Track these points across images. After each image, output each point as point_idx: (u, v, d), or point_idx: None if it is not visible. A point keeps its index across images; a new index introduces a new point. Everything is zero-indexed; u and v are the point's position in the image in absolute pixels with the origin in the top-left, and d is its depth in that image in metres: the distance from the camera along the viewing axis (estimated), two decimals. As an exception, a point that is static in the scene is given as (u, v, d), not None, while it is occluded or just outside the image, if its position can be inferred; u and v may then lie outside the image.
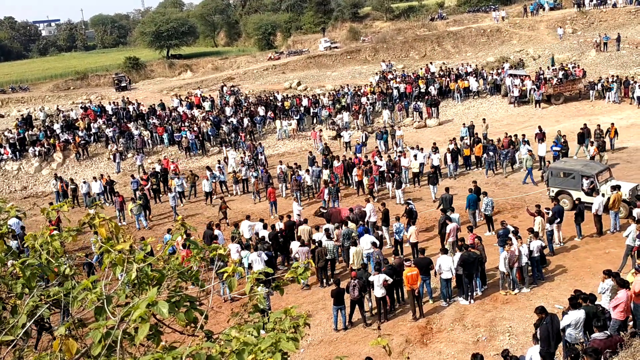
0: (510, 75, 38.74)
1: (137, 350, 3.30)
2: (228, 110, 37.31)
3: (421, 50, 55.30)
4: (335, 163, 25.74)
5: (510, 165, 25.24)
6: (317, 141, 32.26)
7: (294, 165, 25.45)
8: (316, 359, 13.10)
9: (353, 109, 36.29)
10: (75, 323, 3.30)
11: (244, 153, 30.22)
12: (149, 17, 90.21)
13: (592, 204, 17.95)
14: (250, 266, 16.28)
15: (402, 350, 12.86)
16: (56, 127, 35.21)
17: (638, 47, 43.21)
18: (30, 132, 34.31)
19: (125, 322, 3.06)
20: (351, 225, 18.43)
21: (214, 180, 25.94)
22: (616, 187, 18.03)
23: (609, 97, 34.54)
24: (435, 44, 55.43)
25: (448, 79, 39.83)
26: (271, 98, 40.02)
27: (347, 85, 41.83)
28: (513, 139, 25.82)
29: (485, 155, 25.38)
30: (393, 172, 24.15)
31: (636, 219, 15.79)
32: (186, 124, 35.13)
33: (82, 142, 33.20)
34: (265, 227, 18.73)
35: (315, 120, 36.85)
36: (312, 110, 37.07)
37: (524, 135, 26.31)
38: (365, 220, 19.16)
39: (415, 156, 25.18)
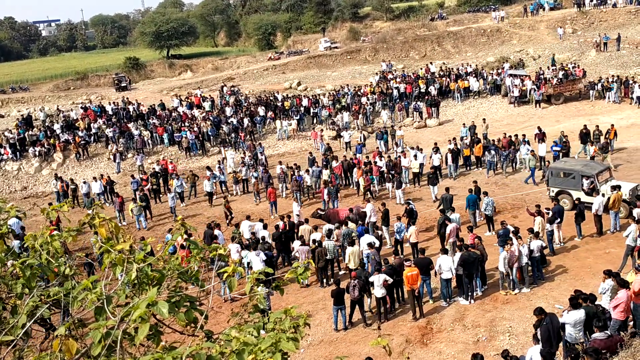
0: (510, 75, 38.75)
1: (137, 351, 3.30)
2: (228, 111, 37.31)
3: (421, 50, 55.31)
4: (334, 163, 25.74)
5: (511, 166, 25.21)
6: (319, 141, 32.31)
7: (294, 166, 25.46)
8: (316, 359, 13.09)
9: (353, 109, 36.29)
10: (75, 323, 3.30)
11: (244, 153, 30.22)
12: (149, 17, 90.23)
13: (592, 204, 17.95)
14: (250, 266, 16.29)
15: (402, 350, 12.86)
16: (56, 127, 35.21)
17: (638, 47, 43.22)
18: (30, 132, 34.30)
19: (125, 322, 3.06)
20: (351, 225, 18.44)
21: (214, 181, 25.94)
22: (616, 187, 18.03)
23: (609, 97, 34.55)
24: (435, 44, 55.44)
25: (448, 79, 39.83)
26: (271, 98, 40.03)
27: (347, 85, 41.84)
28: (513, 139, 25.80)
29: (487, 154, 25.37)
30: (393, 172, 24.16)
31: (636, 219, 15.79)
32: (186, 124, 35.13)
33: (82, 142, 33.20)
34: (265, 227, 18.72)
35: (315, 121, 36.85)
36: (312, 110, 37.07)
37: (524, 135, 26.32)
38: (366, 220, 19.16)
39: (415, 156, 25.18)
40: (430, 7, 73.63)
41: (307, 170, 25.23)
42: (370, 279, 14.12)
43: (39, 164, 32.57)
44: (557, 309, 12.85)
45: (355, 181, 24.68)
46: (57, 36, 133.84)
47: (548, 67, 40.96)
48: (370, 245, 16.29)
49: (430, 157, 25.36)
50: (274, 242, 18.26)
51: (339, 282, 14.28)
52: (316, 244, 16.77)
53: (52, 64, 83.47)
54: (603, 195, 18.46)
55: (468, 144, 27.12)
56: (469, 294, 14.63)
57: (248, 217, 20.15)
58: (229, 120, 34.94)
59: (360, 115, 35.79)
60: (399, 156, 26.03)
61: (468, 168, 26.59)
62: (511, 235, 15.47)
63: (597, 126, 26.27)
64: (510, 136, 26.11)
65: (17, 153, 32.74)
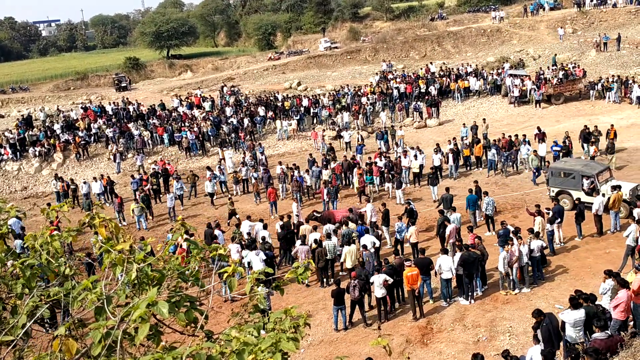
0: (511, 75, 38.74)
1: (137, 351, 3.30)
2: (228, 111, 37.30)
3: (421, 50, 55.31)
4: (332, 163, 25.73)
5: (512, 166, 25.15)
6: (320, 141, 32.35)
7: (293, 166, 25.47)
8: (316, 359, 13.09)
9: (353, 109, 36.29)
10: (75, 323, 3.30)
11: (245, 153, 30.23)
12: (149, 18, 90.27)
13: (592, 204, 17.95)
14: (250, 266, 16.29)
15: (403, 351, 12.86)
16: (56, 127, 35.20)
17: (638, 47, 43.21)
18: (30, 133, 34.29)
19: (125, 322, 3.06)
20: (351, 225, 18.44)
21: (215, 181, 25.89)
22: (616, 187, 18.03)
23: (609, 97, 34.55)
24: (436, 44, 55.44)
25: (448, 79, 39.82)
26: (271, 98, 40.02)
27: (347, 85, 41.84)
28: (513, 139, 25.77)
29: (489, 154, 25.36)
30: (393, 172, 24.15)
31: (636, 219, 15.79)
32: (186, 124, 35.13)
33: (82, 142, 33.19)
34: (265, 227, 18.73)
35: (315, 121, 36.85)
36: (312, 110, 37.06)
37: (524, 135, 26.31)
38: (367, 220, 19.16)
39: (415, 156, 25.18)
40: (430, 7, 73.64)
41: (307, 171, 25.23)
42: (371, 279, 14.12)
43: (39, 164, 32.56)
44: (557, 309, 12.85)
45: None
46: (57, 36, 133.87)
47: (548, 67, 40.94)
48: (365, 247, 16.30)
49: (432, 157, 25.35)
50: (279, 241, 18.28)
51: (339, 282, 14.28)
52: (317, 244, 16.77)
53: (52, 64, 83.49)
54: (603, 195, 18.46)
55: (468, 144, 27.12)
56: (469, 294, 14.62)
57: (248, 217, 20.15)
58: (229, 121, 34.94)
59: (360, 116, 35.80)
60: (399, 156, 26.03)
61: (468, 168, 26.59)
62: (511, 235, 15.47)
63: (596, 126, 26.25)
64: (510, 136, 26.09)
65: (17, 153, 32.74)
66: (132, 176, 27.29)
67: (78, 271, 3.92)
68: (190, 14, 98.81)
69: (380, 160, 25.21)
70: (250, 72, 54.89)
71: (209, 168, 26.93)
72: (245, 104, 39.50)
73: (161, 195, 26.35)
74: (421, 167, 25.22)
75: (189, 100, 41.44)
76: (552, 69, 39.51)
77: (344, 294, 13.99)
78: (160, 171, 27.74)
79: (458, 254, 14.70)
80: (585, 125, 26.49)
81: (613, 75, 36.04)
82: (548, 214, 17.13)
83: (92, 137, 34.41)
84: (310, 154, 28.28)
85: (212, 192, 25.34)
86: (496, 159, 25.13)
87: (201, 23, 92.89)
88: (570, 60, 42.47)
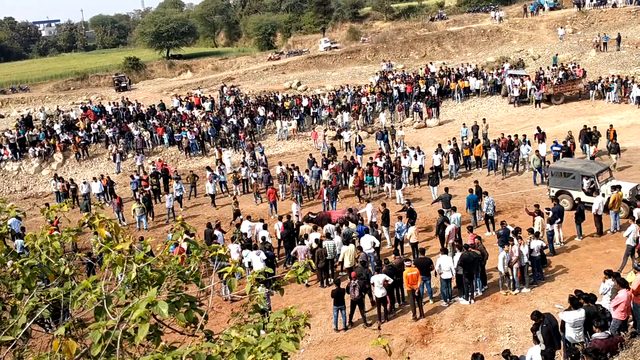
0: (510, 75, 38.74)
1: (137, 351, 3.30)
2: (228, 111, 37.30)
3: (421, 50, 55.31)
4: (331, 164, 25.72)
5: (513, 166, 25.09)
6: (321, 141, 32.36)
7: (292, 166, 25.46)
8: (316, 359, 13.09)
9: (353, 109, 36.28)
10: (75, 323, 3.30)
11: (244, 153, 30.24)
12: (148, 18, 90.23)
13: (592, 204, 17.95)
14: (251, 265, 16.30)
15: (403, 351, 12.85)
16: (56, 127, 35.20)
17: (638, 47, 43.20)
18: (30, 133, 34.28)
19: (125, 322, 3.06)
20: (351, 225, 18.45)
21: (216, 181, 25.86)
22: (616, 187, 18.03)
23: (609, 97, 34.55)
24: (435, 44, 55.44)
25: (448, 79, 39.82)
26: (271, 98, 40.00)
27: (347, 85, 41.83)
28: (513, 139, 25.75)
29: (489, 153, 25.35)
30: (392, 172, 24.15)
31: (636, 219, 15.79)
32: (186, 124, 35.13)
33: (82, 142, 33.19)
34: (265, 227, 18.73)
35: (315, 121, 36.85)
36: (312, 110, 37.06)
37: (524, 135, 26.30)
38: (368, 221, 19.15)
39: (415, 157, 25.18)
40: (430, 7, 73.63)
41: (307, 171, 25.23)
42: (371, 280, 14.11)
43: (39, 164, 32.56)
44: (557, 309, 12.84)
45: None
46: (57, 36, 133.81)
47: (548, 67, 40.94)
48: (360, 249, 16.28)
49: (432, 157, 25.35)
50: (283, 240, 18.25)
51: (339, 282, 14.28)
52: (317, 243, 16.77)
53: (52, 64, 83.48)
54: (603, 195, 18.46)
55: (469, 144, 27.11)
56: (469, 294, 14.62)
57: (248, 217, 20.16)
58: (229, 121, 34.94)
59: (360, 116, 35.79)
60: (399, 156, 26.03)
61: (468, 168, 26.59)
62: (511, 235, 15.46)
63: (595, 127, 26.20)
64: (509, 136, 26.09)
65: (17, 153, 32.74)
66: (132, 176, 27.29)
67: (78, 271, 3.91)
68: (190, 14, 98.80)
69: (380, 160, 25.20)
70: (250, 72, 54.89)
71: (208, 168, 26.93)
72: (245, 104, 39.50)
73: (161, 196, 26.35)
74: (421, 167, 25.22)
75: (189, 101, 41.43)
76: (552, 69, 39.51)
77: (344, 294, 13.99)
78: (160, 171, 27.73)
79: (458, 254, 14.70)
80: (585, 126, 26.47)
81: (613, 75, 36.05)
82: (548, 214, 17.13)
83: (92, 137, 34.41)
84: (310, 154, 28.28)
85: (213, 193, 25.29)
86: (495, 159, 25.13)
87: (201, 23, 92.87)
88: (570, 60, 42.48)
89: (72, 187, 26.90)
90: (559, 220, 17.21)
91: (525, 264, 14.86)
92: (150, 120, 36.27)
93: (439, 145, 26.30)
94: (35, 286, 3.54)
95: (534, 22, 55.21)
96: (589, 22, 52.66)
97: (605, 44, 44.01)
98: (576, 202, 18.09)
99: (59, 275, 3.67)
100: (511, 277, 14.83)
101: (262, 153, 29.91)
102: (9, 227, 3.94)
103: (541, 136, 25.94)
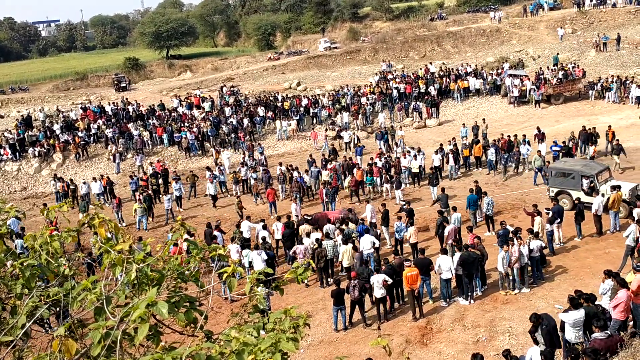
0: (510, 75, 38.75)
1: (136, 351, 3.30)
2: (228, 111, 37.31)
3: (421, 50, 55.32)
4: (329, 165, 25.71)
5: (515, 168, 25.04)
6: (322, 141, 32.34)
7: (290, 167, 25.45)
8: (316, 359, 13.09)
9: (352, 109, 36.29)
10: (75, 323, 3.30)
11: (244, 153, 30.26)
12: (148, 18, 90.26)
13: (592, 204, 17.95)
14: (251, 265, 16.30)
15: (402, 351, 12.86)
16: (56, 127, 35.19)
17: (638, 47, 43.22)
18: (29, 133, 34.28)
19: (124, 322, 3.06)
20: (351, 225, 18.46)
21: (216, 181, 25.82)
22: (616, 187, 18.03)
23: (608, 97, 34.56)
24: (435, 44, 55.45)
25: (448, 79, 39.82)
26: (271, 98, 40.00)
27: (347, 85, 41.83)
28: (512, 139, 25.73)
29: (488, 153, 25.34)
30: (390, 173, 24.14)
31: (636, 219, 15.79)
32: (186, 124, 35.12)
33: (81, 142, 33.19)
34: (265, 227, 18.73)
35: (315, 121, 36.86)
36: (311, 110, 37.06)
37: (524, 135, 26.30)
38: (367, 222, 19.15)
39: (415, 157, 25.18)
40: (430, 8, 73.67)
41: (307, 171, 25.23)
42: (371, 280, 14.10)
43: (39, 164, 32.56)
44: (557, 309, 12.85)
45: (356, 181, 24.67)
46: (57, 36, 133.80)
47: (548, 67, 40.95)
48: (355, 249, 16.27)
49: (432, 157, 25.34)
50: (284, 240, 18.26)
51: (339, 282, 14.28)
52: (317, 243, 16.76)
53: (51, 65, 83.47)
54: (603, 195, 18.46)
55: (468, 144, 27.10)
56: (469, 294, 14.62)
57: (248, 218, 20.17)
58: (229, 121, 34.94)
59: (360, 116, 35.80)
60: (399, 156, 26.03)
61: (468, 168, 26.58)
62: (511, 235, 15.46)
63: (594, 127, 26.18)
64: (508, 136, 26.08)
65: (17, 153, 32.74)
66: (131, 176, 27.29)
67: (78, 271, 3.91)
68: (189, 14, 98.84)
69: (380, 160, 25.20)
70: (250, 72, 54.89)
71: (208, 168, 26.92)
72: (245, 104, 39.50)
73: (160, 196, 26.35)
74: (420, 167, 25.20)
75: (189, 101, 41.43)
76: (552, 69, 39.52)
77: (344, 294, 13.99)
78: (159, 172, 27.72)
79: (457, 254, 14.70)
80: (584, 126, 26.43)
81: (612, 76, 36.06)
82: (548, 214, 17.13)
83: (92, 138, 34.41)
84: (311, 155, 28.29)
85: (214, 194, 25.23)
86: (494, 159, 25.12)
87: (201, 23, 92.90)
88: (570, 60, 42.49)
89: (71, 187, 26.90)
90: (559, 220, 17.21)
91: (525, 264, 14.86)
92: (149, 121, 36.26)
93: (441, 145, 26.30)
94: (35, 286, 3.54)
95: (533, 22, 55.23)
96: (588, 22, 52.69)
97: (604, 44, 44.04)
98: (576, 202, 18.10)
99: (58, 276, 3.67)
100: (511, 277, 14.83)
101: (261, 153, 29.91)
102: (8, 227, 3.94)
103: (541, 136, 25.94)
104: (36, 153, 32.72)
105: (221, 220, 21.81)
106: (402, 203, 21.12)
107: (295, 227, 18.79)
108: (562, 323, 10.52)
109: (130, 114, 38.11)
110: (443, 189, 20.83)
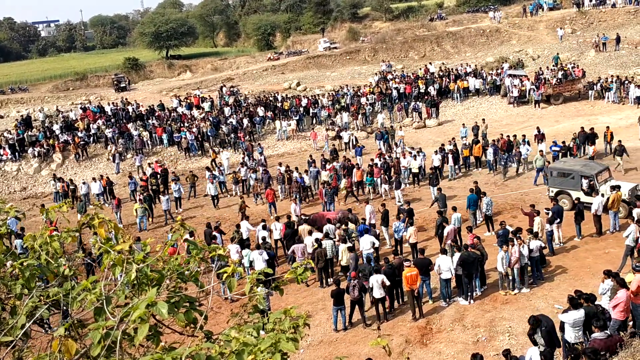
0: (510, 75, 38.76)
1: (136, 351, 3.30)
2: (227, 111, 37.30)
3: (420, 50, 55.32)
4: (327, 165, 25.70)
5: (517, 168, 25.01)
6: (322, 140, 32.33)
7: (287, 168, 25.42)
8: (316, 359, 13.09)
9: (352, 109, 36.28)
10: (75, 324, 3.30)
11: (244, 153, 30.25)
12: (148, 18, 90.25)
13: (591, 204, 17.96)
14: (251, 265, 16.30)
15: (402, 351, 12.86)
16: (55, 127, 35.19)
17: (637, 47, 43.25)
18: (29, 133, 34.27)
19: (124, 322, 3.06)
20: (351, 225, 18.45)
21: (216, 181, 25.80)
22: (616, 187, 18.04)
23: (608, 97, 34.57)
24: (435, 44, 55.46)
25: (447, 79, 39.83)
26: (270, 98, 39.99)
27: (347, 85, 41.83)
28: (512, 139, 25.73)
29: (487, 153, 25.34)
30: (389, 173, 24.11)
31: (636, 219, 15.80)
32: (185, 124, 35.12)
33: (81, 142, 33.19)
34: (264, 227, 18.73)
35: (314, 121, 36.85)
36: (311, 110, 37.06)
37: (523, 135, 26.30)
38: (367, 222, 19.15)
39: (414, 157, 25.18)
40: (430, 8, 73.69)
41: (306, 171, 25.22)
42: (370, 281, 14.09)
43: (38, 164, 32.55)
44: (557, 309, 12.85)
45: (355, 181, 24.67)
46: (57, 37, 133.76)
47: (548, 67, 40.96)
48: (350, 249, 16.28)
49: (432, 157, 25.33)
50: (286, 240, 18.27)
51: (339, 282, 14.28)
52: (317, 243, 16.76)
53: (51, 65, 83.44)
54: (602, 195, 18.47)
55: (468, 144, 27.09)
56: (469, 294, 14.62)
57: (247, 218, 20.17)
58: (228, 121, 34.94)
59: (360, 116, 35.79)
60: (398, 157, 26.02)
61: (468, 168, 26.58)
62: (511, 235, 15.46)
63: (592, 128, 26.17)
64: (508, 136, 26.08)
65: (17, 154, 32.72)
66: (130, 176, 27.26)
67: (78, 272, 3.91)
68: (189, 14, 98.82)
69: (380, 160, 25.18)
70: (250, 72, 54.88)
71: (208, 169, 26.91)
72: (245, 105, 39.50)
73: (160, 196, 26.31)
74: (420, 168, 25.18)
75: (188, 101, 41.42)
76: (552, 69, 39.54)
77: (344, 294, 13.99)
78: (159, 172, 27.71)
79: (457, 254, 14.70)
80: (582, 127, 26.40)
81: (612, 76, 36.07)
82: (547, 214, 17.13)
83: (91, 138, 34.41)
84: (311, 155, 28.28)
85: (215, 195, 25.18)
86: (492, 159, 25.12)
87: (200, 23, 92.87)
88: (570, 61, 42.51)
89: (71, 187, 26.89)
90: (559, 220, 17.21)
91: (525, 264, 14.86)
92: (149, 121, 36.26)
93: (442, 145, 26.29)
94: (34, 287, 3.54)
95: (533, 22, 55.26)
96: (588, 22, 52.71)
97: (604, 44, 44.07)
98: (575, 202, 18.10)
99: (58, 276, 3.67)
100: (510, 277, 14.83)
101: (261, 153, 29.91)
102: (8, 227, 3.94)
103: (540, 137, 25.94)
104: (36, 153, 32.71)
105: (221, 221, 21.80)
106: (398, 204, 21.13)
107: (295, 227, 18.79)
108: (562, 323, 10.52)
109: (130, 114, 38.10)
110: (440, 189, 20.85)
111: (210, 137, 33.92)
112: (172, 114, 37.62)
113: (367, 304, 14.68)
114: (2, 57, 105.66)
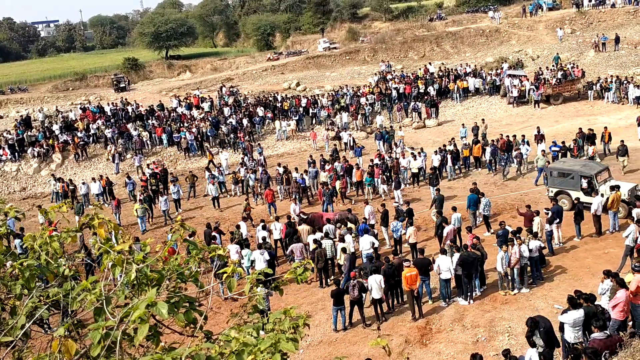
0: (509, 75, 38.78)
1: (136, 351, 3.30)
2: (227, 111, 37.30)
3: (420, 50, 55.33)
4: (327, 166, 25.69)
5: (518, 168, 25.00)
6: (323, 140, 32.33)
7: (286, 168, 25.41)
8: (316, 359, 13.09)
9: (352, 109, 36.28)
10: (75, 324, 3.30)
11: (243, 153, 30.24)
12: (147, 18, 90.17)
13: (591, 204, 17.96)
14: (252, 265, 16.30)
15: (402, 351, 12.86)
16: (55, 128, 35.18)
17: (636, 47, 43.28)
18: (29, 133, 34.26)
19: (124, 322, 3.06)
20: (351, 225, 18.46)
21: (215, 182, 25.78)
22: (615, 187, 18.05)
23: (607, 98, 34.59)
24: (434, 45, 55.47)
25: (447, 80, 39.83)
26: (270, 99, 39.99)
27: (346, 85, 41.82)
28: (511, 139, 25.73)
29: (487, 153, 25.34)
30: (387, 174, 24.11)
31: (635, 219, 15.80)
32: (185, 124, 35.11)
33: (81, 143, 33.18)
34: (264, 227, 18.74)
35: (314, 121, 36.85)
36: (311, 110, 37.06)
37: (523, 135, 26.30)
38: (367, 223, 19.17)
39: (414, 157, 25.18)
40: (429, 8, 73.65)
41: (306, 172, 25.22)
42: (369, 281, 14.08)
43: (38, 164, 32.54)
44: (556, 309, 12.85)
45: (354, 182, 24.68)
46: (56, 37, 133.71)
47: (548, 67, 40.98)
48: (344, 250, 16.29)
49: (432, 157, 25.33)
50: (287, 240, 18.28)
51: (339, 283, 14.28)
52: (316, 243, 16.76)
53: (50, 65, 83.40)
54: (602, 195, 18.47)
55: (468, 144, 27.09)
56: (468, 294, 14.63)
57: (245, 219, 20.15)
58: (228, 121, 34.94)
59: (359, 116, 35.79)
60: (398, 157, 26.02)
61: (467, 169, 26.58)
62: (511, 236, 15.46)
63: (590, 129, 26.15)
64: (507, 136, 26.08)
65: (16, 154, 32.71)
66: (128, 177, 27.23)
67: (77, 272, 3.91)
68: (189, 15, 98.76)
69: (379, 161, 25.17)
70: (249, 72, 54.87)
71: (208, 169, 26.89)
72: (244, 105, 39.49)
73: (159, 197, 26.29)
74: (420, 168, 25.16)
75: (188, 101, 41.40)
76: (552, 69, 39.55)
77: (344, 295, 13.99)
78: (159, 172, 27.69)
79: (457, 254, 14.71)
80: (580, 128, 26.37)
81: (611, 76, 36.09)
82: (547, 214, 17.14)
83: (91, 138, 34.41)
84: (311, 155, 28.27)
85: (216, 195, 25.14)
86: (489, 159, 25.12)
87: (200, 23, 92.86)
88: (569, 61, 42.54)
89: (71, 187, 26.88)
90: (558, 220, 17.22)
91: (525, 264, 14.87)
92: (149, 121, 36.25)
93: (444, 145, 26.27)
94: (34, 287, 3.54)
95: (532, 22, 55.28)
96: (587, 22, 52.74)
97: (604, 44, 44.11)
98: (575, 202, 18.11)
99: (58, 276, 3.67)
100: (510, 278, 14.84)
101: (260, 153, 29.90)
102: (8, 227, 3.94)
103: (540, 137, 25.93)
104: (35, 153, 32.70)
105: (220, 221, 21.80)
106: (395, 205, 21.13)
107: (295, 227, 18.79)
108: (562, 323, 10.52)
109: (130, 114, 38.08)
110: (438, 190, 20.85)
111: (210, 138, 33.91)
112: (172, 114, 37.61)
113: (366, 303, 14.70)
114: (2, 57, 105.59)
